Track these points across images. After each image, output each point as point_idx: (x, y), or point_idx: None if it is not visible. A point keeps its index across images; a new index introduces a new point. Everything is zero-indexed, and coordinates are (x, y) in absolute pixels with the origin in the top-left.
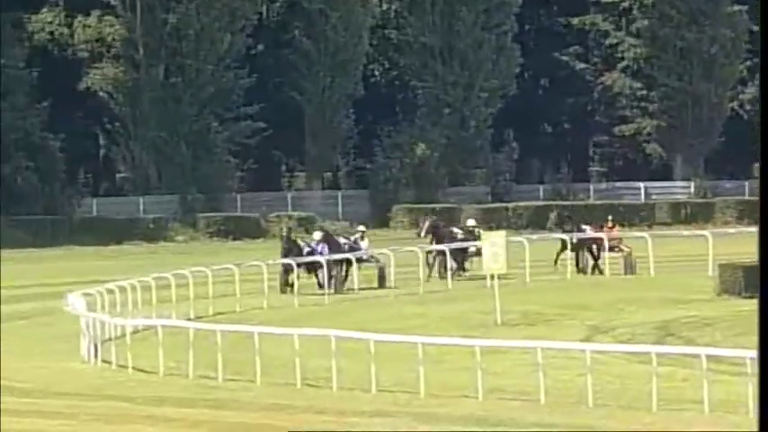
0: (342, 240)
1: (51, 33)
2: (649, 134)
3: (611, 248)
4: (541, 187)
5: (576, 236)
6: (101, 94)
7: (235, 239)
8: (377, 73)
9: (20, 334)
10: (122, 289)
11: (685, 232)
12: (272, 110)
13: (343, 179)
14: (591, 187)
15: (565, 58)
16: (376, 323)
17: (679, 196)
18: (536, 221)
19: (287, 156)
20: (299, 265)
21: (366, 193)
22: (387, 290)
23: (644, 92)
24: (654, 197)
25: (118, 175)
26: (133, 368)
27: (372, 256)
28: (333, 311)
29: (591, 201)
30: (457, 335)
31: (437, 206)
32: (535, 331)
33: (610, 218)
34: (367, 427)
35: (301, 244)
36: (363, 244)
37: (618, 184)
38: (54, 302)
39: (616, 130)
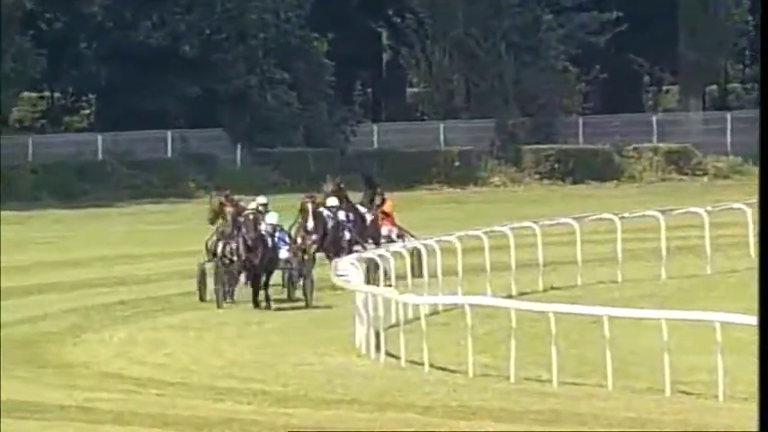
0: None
1: None
2: None
3: None
4: None
5: None
6: None
7: (576, 182)
8: None
9: (272, 319)
10: (414, 252)
11: None
12: None
13: (735, 95)
14: None
15: None
16: None
17: None
18: None
19: (651, 61)
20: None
21: None
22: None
23: None
24: None
25: (408, 91)
26: (430, 365)
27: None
28: (712, 286)
29: None
30: None
31: None
32: None
33: None
34: None
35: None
36: (270, 218)
37: None
38: (317, 270)
39: None
